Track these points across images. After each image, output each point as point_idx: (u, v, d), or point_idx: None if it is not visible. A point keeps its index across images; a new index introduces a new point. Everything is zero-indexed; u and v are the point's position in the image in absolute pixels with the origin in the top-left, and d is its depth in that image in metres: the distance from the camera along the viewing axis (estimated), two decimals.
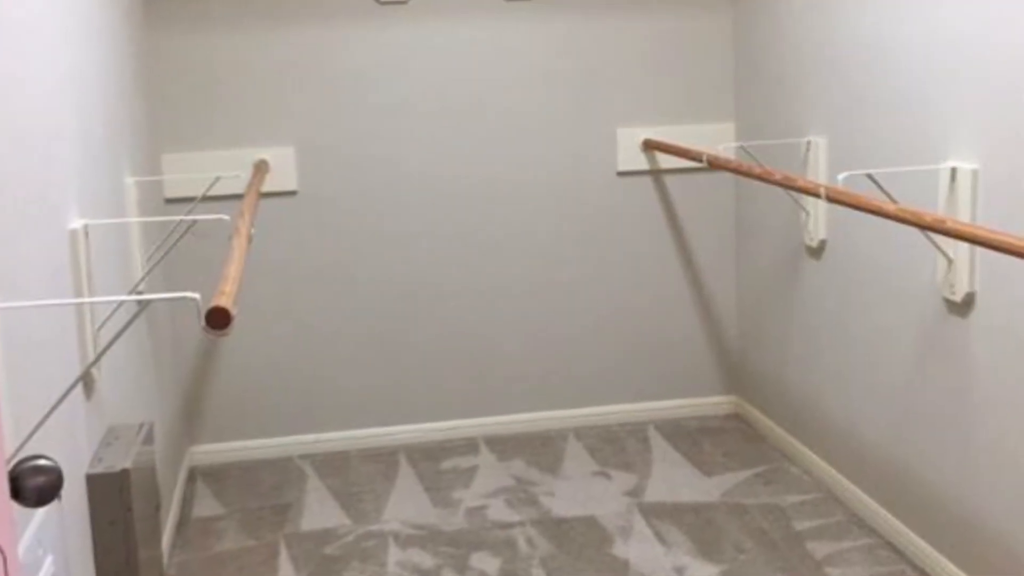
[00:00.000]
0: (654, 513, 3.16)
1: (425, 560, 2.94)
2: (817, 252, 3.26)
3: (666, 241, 3.85)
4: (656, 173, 3.81)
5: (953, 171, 2.50)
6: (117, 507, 1.94)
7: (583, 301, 3.84)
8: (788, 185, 2.92)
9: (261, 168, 3.44)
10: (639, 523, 3.10)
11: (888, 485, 2.94)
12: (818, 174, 3.16)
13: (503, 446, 3.72)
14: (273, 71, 3.55)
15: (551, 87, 3.71)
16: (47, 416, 1.46)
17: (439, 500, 3.32)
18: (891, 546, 2.89)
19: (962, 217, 2.45)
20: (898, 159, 2.72)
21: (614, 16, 3.70)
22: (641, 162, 3.78)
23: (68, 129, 2.12)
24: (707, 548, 2.93)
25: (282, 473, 3.58)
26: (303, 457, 3.70)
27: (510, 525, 3.12)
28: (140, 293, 2.60)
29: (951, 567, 2.65)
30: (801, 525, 3.05)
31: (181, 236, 2.69)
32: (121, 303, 2.25)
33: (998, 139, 2.37)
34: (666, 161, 3.75)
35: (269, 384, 3.70)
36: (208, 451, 3.69)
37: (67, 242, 2.00)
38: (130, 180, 2.80)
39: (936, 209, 2.52)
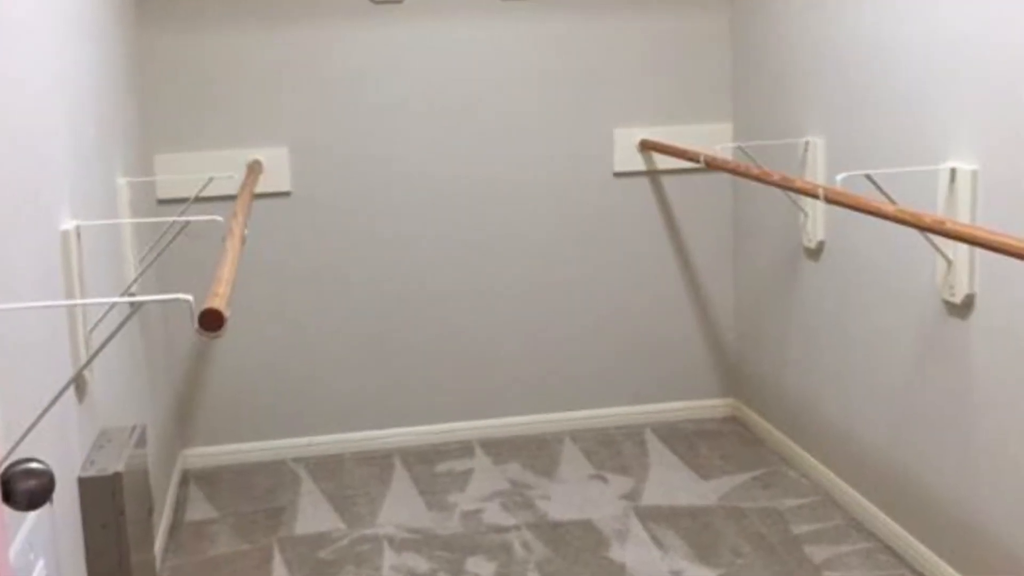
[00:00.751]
0: (651, 517, 3.14)
1: (420, 564, 2.92)
2: (815, 253, 3.25)
3: (663, 242, 3.84)
4: (653, 174, 3.79)
5: (953, 172, 2.49)
6: (109, 511, 1.93)
7: (579, 303, 3.82)
8: (786, 186, 2.91)
9: (255, 169, 3.42)
10: (636, 527, 3.08)
11: (887, 488, 2.93)
12: (816, 175, 3.15)
13: (498, 449, 3.70)
14: (267, 71, 3.53)
15: (547, 87, 3.69)
16: (39, 419, 1.44)
17: (434, 504, 3.30)
18: (890, 550, 2.88)
19: (961, 218, 2.44)
20: (897, 160, 2.71)
21: (611, 16, 3.69)
22: (638, 163, 3.77)
23: (60, 129, 2.10)
24: (704, 552, 2.91)
25: (276, 476, 3.56)
26: (297, 460, 3.68)
27: (506, 529, 3.10)
28: (133, 295, 2.58)
29: (950, 571, 2.63)
30: (799, 529, 3.03)
31: (174, 237, 2.68)
32: (113, 305, 2.23)
33: (998, 139, 2.36)
34: (663, 162, 3.73)
35: (263, 386, 3.68)
36: (201, 454, 3.67)
37: (59, 243, 1.98)
38: (122, 181, 2.78)
39: (935, 210, 2.51)
